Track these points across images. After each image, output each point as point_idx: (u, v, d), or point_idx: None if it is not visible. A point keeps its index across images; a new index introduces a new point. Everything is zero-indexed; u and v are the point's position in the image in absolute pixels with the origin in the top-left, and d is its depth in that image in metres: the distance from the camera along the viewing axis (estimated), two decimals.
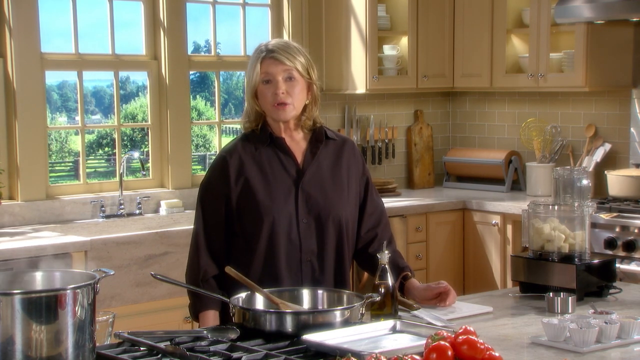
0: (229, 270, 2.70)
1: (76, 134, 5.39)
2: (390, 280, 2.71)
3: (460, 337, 2.17)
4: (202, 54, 5.73)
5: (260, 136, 2.96)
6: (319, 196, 2.93)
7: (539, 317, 2.80)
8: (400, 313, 2.78)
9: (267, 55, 2.88)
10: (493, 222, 5.37)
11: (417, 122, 6.27)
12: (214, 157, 3.04)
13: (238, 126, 6.35)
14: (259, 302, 2.68)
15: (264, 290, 2.69)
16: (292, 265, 2.90)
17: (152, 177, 5.31)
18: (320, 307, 2.71)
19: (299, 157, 2.96)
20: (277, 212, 2.88)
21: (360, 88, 5.66)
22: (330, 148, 3.01)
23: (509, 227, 5.30)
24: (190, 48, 5.46)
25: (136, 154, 5.15)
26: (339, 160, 3.01)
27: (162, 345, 2.32)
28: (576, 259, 3.09)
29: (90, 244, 4.28)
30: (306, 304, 2.73)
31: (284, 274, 2.89)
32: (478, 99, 6.31)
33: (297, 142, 2.98)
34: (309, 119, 2.97)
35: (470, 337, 2.17)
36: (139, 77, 5.54)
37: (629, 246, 4.71)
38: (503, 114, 6.18)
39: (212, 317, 2.89)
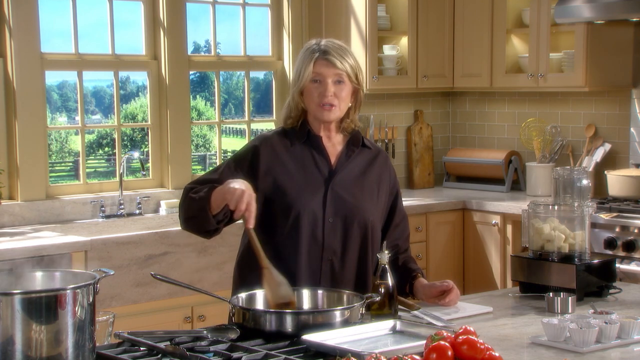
0: (250, 231, 2.69)
1: (76, 134, 5.39)
2: (390, 281, 2.71)
3: (460, 337, 2.17)
4: (202, 54, 5.72)
5: (298, 132, 2.99)
6: (348, 198, 2.95)
7: (539, 317, 2.80)
8: (400, 313, 2.79)
9: (321, 56, 2.90)
10: (493, 222, 5.37)
11: (417, 122, 6.27)
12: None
13: (238, 126, 6.35)
14: (259, 302, 2.69)
15: (270, 266, 2.69)
16: (312, 262, 2.91)
17: (152, 177, 5.31)
18: (320, 307, 2.72)
19: (333, 158, 2.99)
20: (303, 207, 2.89)
21: None
22: (364, 155, 3.04)
23: (509, 227, 5.29)
24: (190, 48, 5.46)
25: (136, 154, 5.14)
26: (371, 168, 3.04)
27: (162, 345, 2.32)
28: (576, 259, 3.09)
29: (90, 244, 4.28)
30: (306, 304, 2.73)
31: (302, 269, 2.89)
32: (478, 99, 6.31)
33: (334, 144, 3.01)
34: (352, 121, 3.01)
35: (470, 337, 2.17)
36: (139, 77, 5.54)
37: (629, 246, 4.71)
38: (503, 114, 6.18)
39: (216, 188, 2.81)
